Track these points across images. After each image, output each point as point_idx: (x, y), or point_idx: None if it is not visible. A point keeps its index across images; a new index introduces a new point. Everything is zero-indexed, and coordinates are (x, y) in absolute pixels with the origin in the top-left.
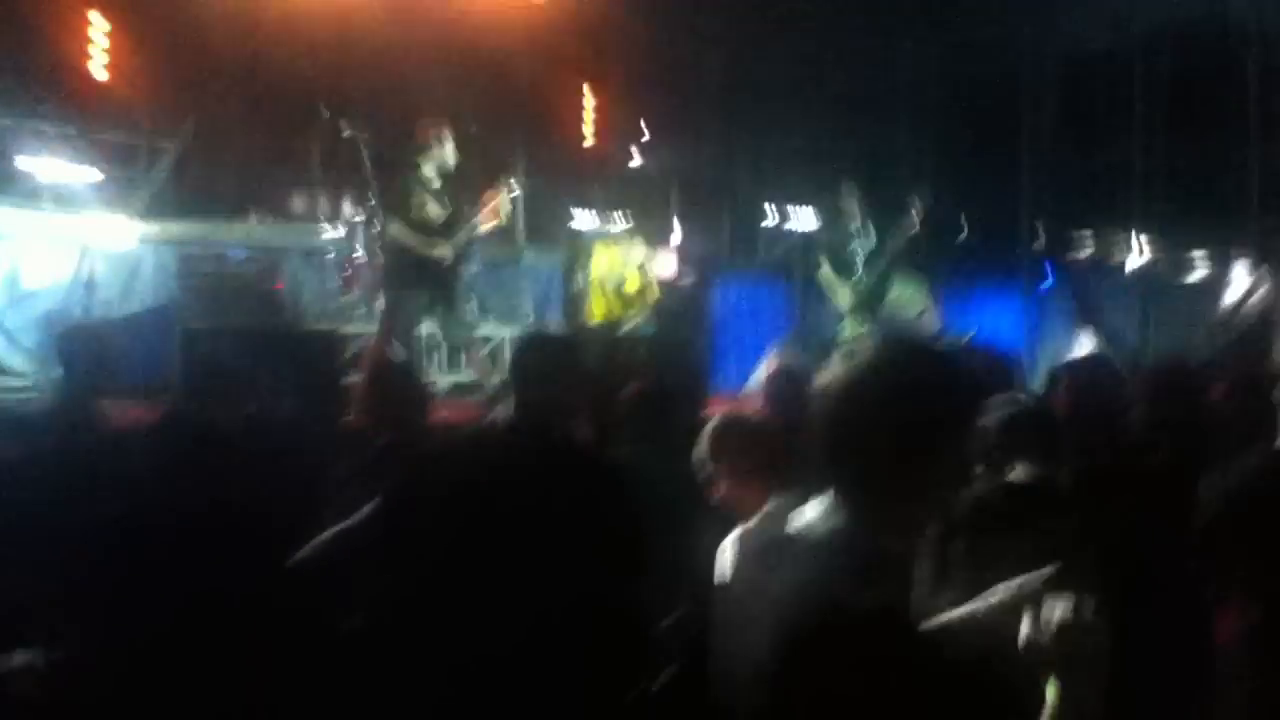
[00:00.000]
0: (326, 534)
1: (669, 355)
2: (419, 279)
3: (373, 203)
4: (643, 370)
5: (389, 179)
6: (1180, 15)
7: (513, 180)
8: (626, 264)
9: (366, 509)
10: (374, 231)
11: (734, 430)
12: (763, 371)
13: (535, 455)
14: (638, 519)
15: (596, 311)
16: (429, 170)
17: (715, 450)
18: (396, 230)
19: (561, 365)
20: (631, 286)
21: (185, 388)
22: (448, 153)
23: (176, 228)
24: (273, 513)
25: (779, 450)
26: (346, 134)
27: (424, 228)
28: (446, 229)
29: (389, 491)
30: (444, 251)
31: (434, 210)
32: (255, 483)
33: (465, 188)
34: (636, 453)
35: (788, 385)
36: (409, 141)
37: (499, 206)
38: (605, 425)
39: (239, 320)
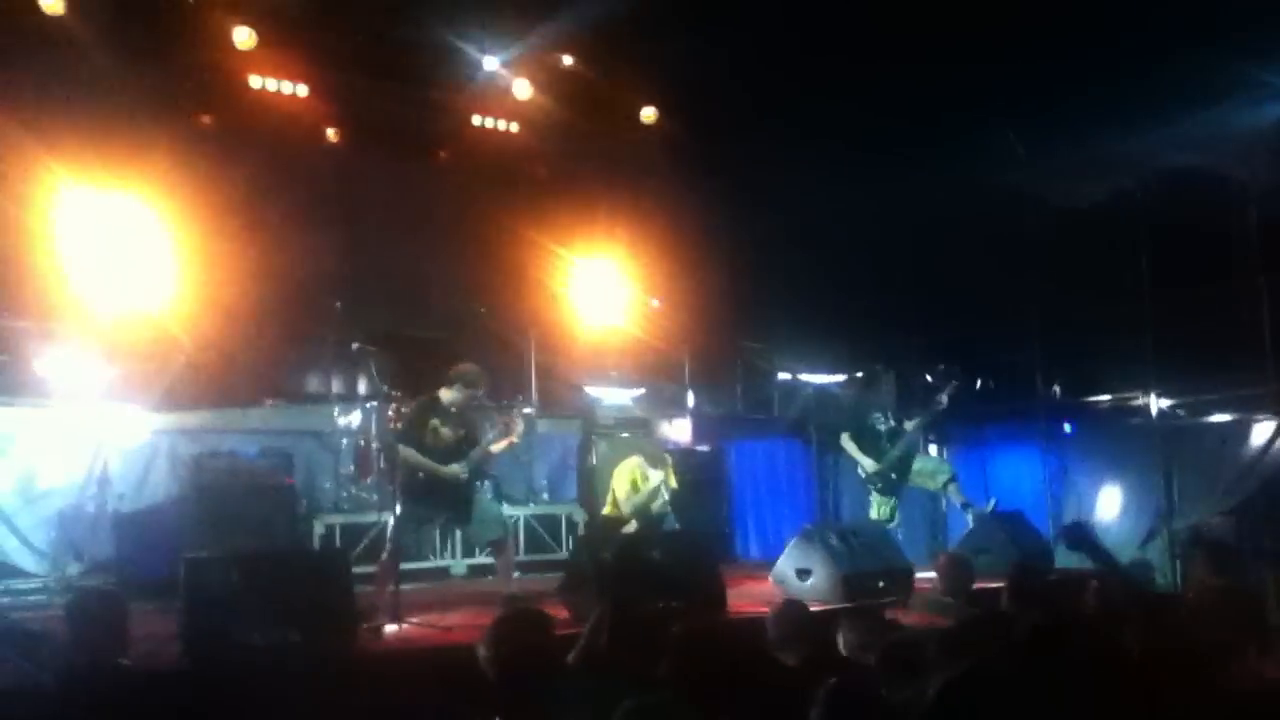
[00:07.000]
0: None
1: (689, 553)
2: (434, 498)
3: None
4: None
5: (405, 404)
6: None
7: (524, 402)
8: (647, 477)
9: None
10: (387, 422)
11: None
12: None
13: None
14: None
15: (615, 513)
16: (447, 399)
17: None
18: (410, 453)
19: None
20: (654, 502)
21: (190, 620)
22: (470, 398)
23: (190, 419)
24: None
25: None
26: (355, 346)
27: (438, 451)
28: (460, 450)
29: None
30: (459, 471)
31: (448, 434)
32: None
33: (481, 408)
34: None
35: None
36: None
37: (514, 427)
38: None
39: (245, 546)
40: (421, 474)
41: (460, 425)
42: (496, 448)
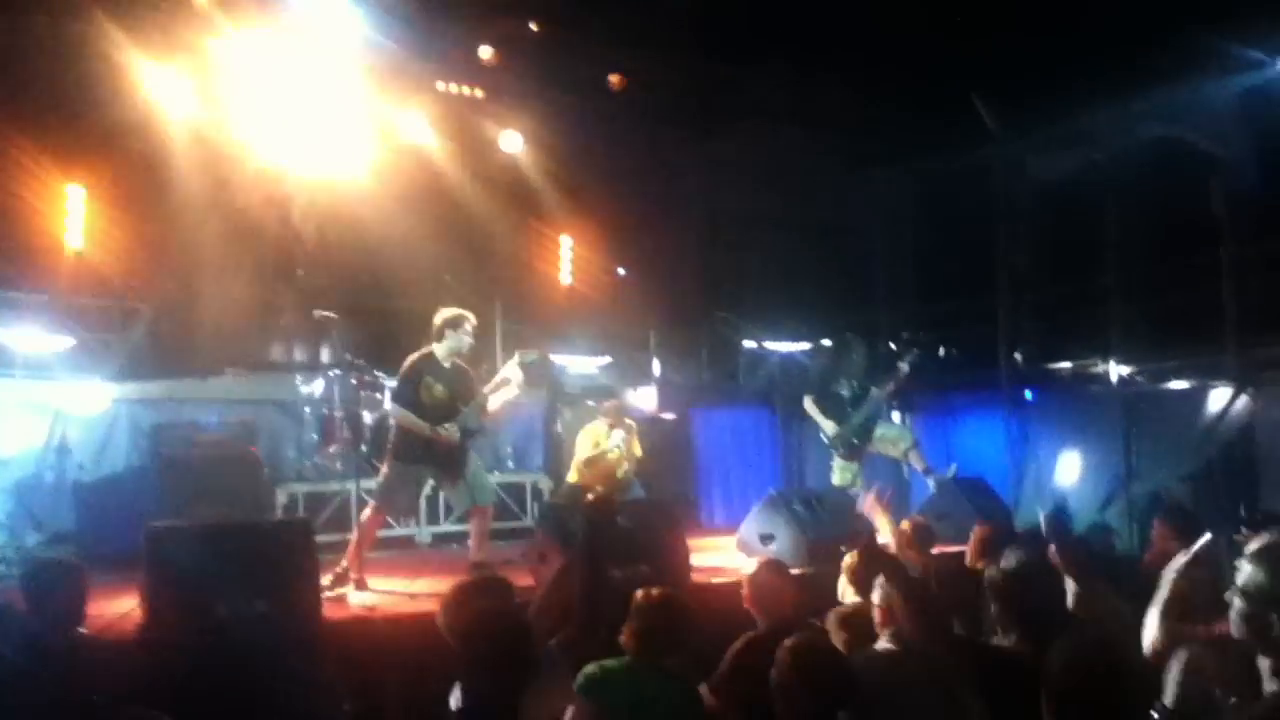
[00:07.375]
0: None
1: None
2: (426, 457)
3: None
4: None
5: (368, 373)
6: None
7: (528, 351)
8: (610, 440)
9: None
10: (354, 389)
11: None
12: None
13: None
14: None
15: (580, 481)
16: (441, 353)
17: None
18: (402, 414)
19: None
20: (618, 468)
21: (153, 590)
22: (464, 340)
23: (151, 388)
24: None
25: None
26: (318, 314)
27: (433, 409)
28: (454, 408)
29: None
30: (452, 432)
31: (442, 392)
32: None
33: (472, 363)
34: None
35: None
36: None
37: (513, 378)
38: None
39: (208, 515)
40: (412, 433)
41: (454, 380)
42: (495, 402)
